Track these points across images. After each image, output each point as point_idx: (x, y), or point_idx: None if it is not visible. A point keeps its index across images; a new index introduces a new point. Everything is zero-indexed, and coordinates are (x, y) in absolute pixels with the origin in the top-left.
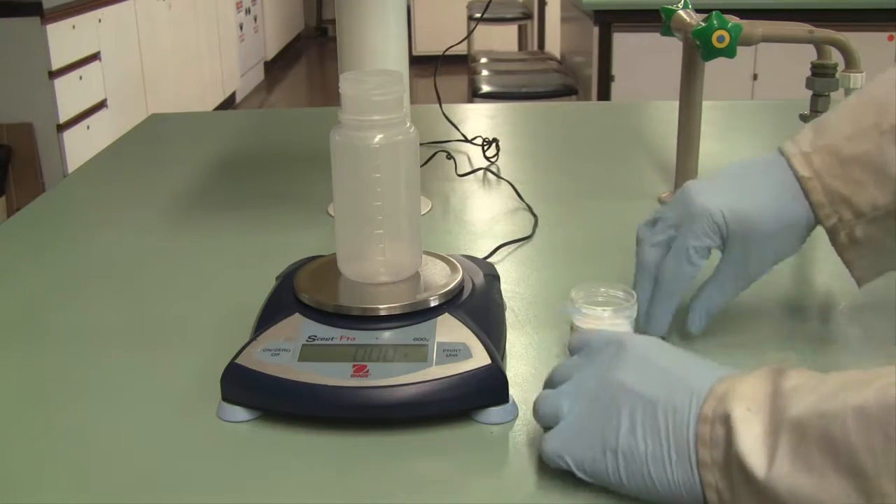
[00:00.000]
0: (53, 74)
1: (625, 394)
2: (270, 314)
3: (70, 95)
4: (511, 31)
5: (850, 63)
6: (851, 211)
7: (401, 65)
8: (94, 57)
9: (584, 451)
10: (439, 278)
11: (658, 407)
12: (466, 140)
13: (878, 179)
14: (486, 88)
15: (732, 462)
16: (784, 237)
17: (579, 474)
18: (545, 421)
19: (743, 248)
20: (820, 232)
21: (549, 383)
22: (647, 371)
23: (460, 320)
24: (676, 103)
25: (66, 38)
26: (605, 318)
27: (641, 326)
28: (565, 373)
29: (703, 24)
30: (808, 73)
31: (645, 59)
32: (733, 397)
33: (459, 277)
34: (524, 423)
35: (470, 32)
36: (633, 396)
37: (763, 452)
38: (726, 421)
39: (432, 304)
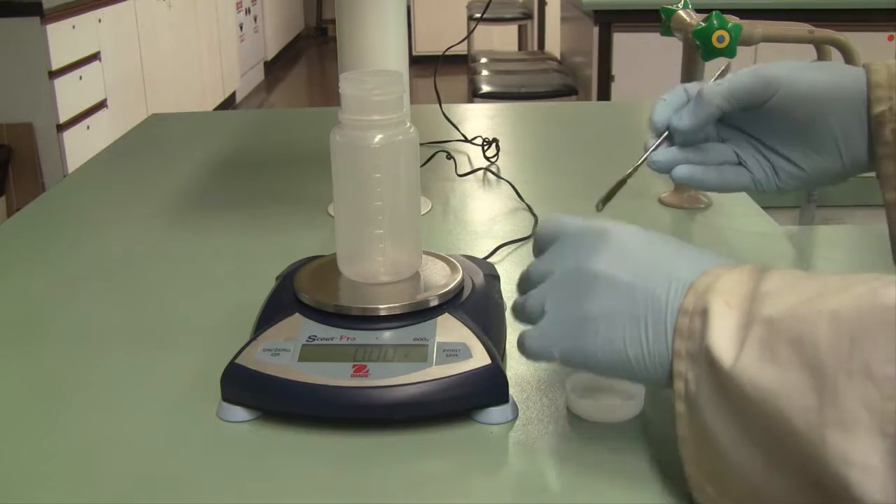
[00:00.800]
0: (53, 74)
1: (605, 281)
2: (270, 314)
3: (70, 95)
4: (511, 31)
5: (850, 63)
6: None
7: (401, 65)
8: (94, 57)
9: (565, 340)
10: (439, 278)
11: (638, 294)
12: (466, 140)
13: None
14: (486, 88)
15: (703, 353)
16: (834, 100)
17: (563, 364)
18: (528, 321)
19: (787, 102)
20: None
21: (528, 281)
22: (628, 259)
23: (460, 320)
24: None
25: (66, 38)
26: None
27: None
28: (544, 269)
29: (703, 24)
30: None
31: (645, 59)
32: (714, 291)
33: (459, 277)
34: (524, 423)
35: (470, 32)
36: (614, 283)
37: (732, 345)
38: (704, 314)
39: (432, 304)
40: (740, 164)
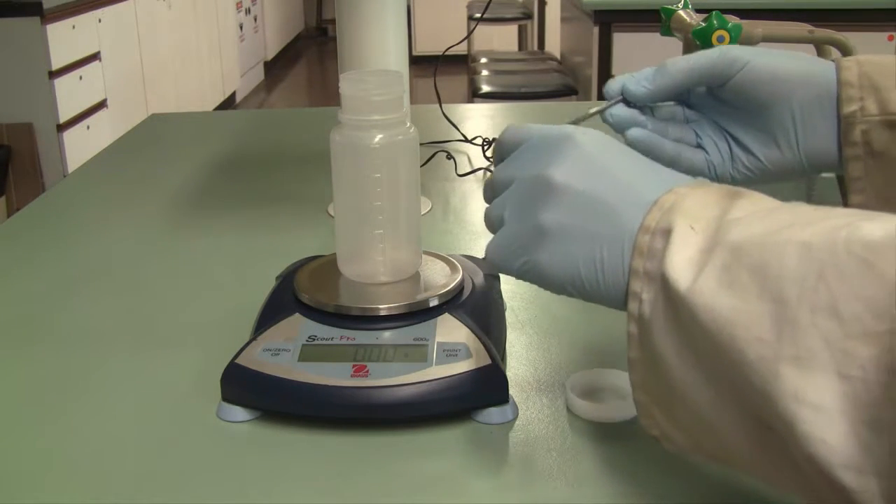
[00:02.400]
0: (53, 74)
1: (563, 191)
2: (270, 314)
3: (70, 95)
4: (511, 31)
5: None
6: (877, 103)
7: (401, 65)
8: (94, 57)
9: (519, 251)
10: (439, 278)
11: (597, 208)
12: (466, 140)
13: None
14: (486, 88)
15: (660, 273)
16: (797, 88)
17: (516, 275)
18: (491, 231)
19: (753, 87)
20: None
21: (491, 190)
22: (591, 170)
23: (460, 320)
24: None
25: (66, 38)
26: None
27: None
28: (505, 176)
29: (703, 24)
30: None
31: (645, 59)
32: (679, 212)
33: (459, 277)
34: (524, 423)
35: (470, 32)
36: (572, 194)
37: (691, 268)
38: (666, 235)
39: (432, 304)
40: (699, 146)
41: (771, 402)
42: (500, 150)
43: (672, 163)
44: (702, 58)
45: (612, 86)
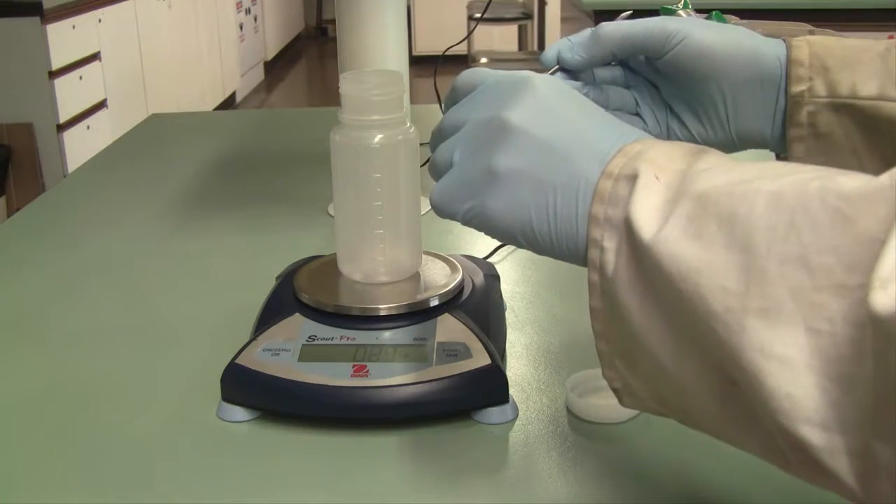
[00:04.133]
0: (53, 74)
1: (518, 134)
2: (270, 314)
3: (70, 95)
4: (511, 31)
5: None
6: (826, 84)
7: (401, 65)
8: (94, 57)
9: (468, 195)
10: (439, 278)
11: (552, 155)
12: None
13: (870, 69)
14: None
15: (624, 219)
16: (736, 66)
17: (463, 222)
18: (436, 176)
19: (690, 63)
20: None
21: (439, 134)
22: (549, 114)
23: (460, 320)
24: None
25: (66, 38)
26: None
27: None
28: (456, 119)
29: None
30: None
31: None
32: (644, 160)
33: (459, 277)
34: (524, 423)
35: (470, 32)
36: (527, 138)
37: (656, 216)
38: (631, 181)
39: (432, 304)
40: (638, 114)
41: (736, 354)
42: (453, 94)
43: None
44: (638, 27)
45: (548, 54)
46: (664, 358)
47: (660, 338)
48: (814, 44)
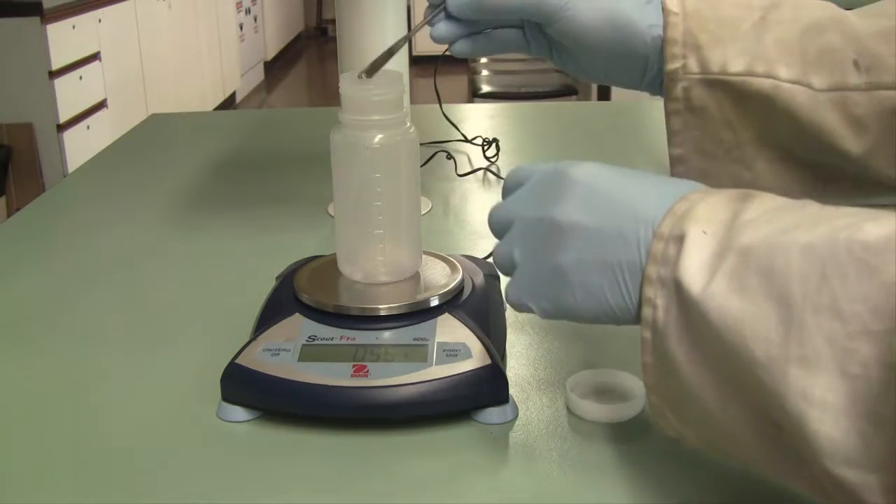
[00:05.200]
0: (53, 74)
1: (572, 230)
2: (270, 314)
3: (70, 95)
4: None
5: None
6: (698, 62)
7: (401, 65)
8: (94, 57)
9: (542, 293)
10: (439, 278)
11: (608, 239)
12: (466, 140)
13: (741, 46)
14: (486, 88)
15: (673, 278)
16: (612, 43)
17: (544, 316)
18: (504, 273)
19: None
20: None
21: (495, 231)
22: (593, 202)
23: (460, 320)
24: None
25: (66, 38)
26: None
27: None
28: (506, 217)
29: None
30: None
31: None
32: (691, 218)
33: (459, 277)
34: (524, 423)
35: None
36: (581, 231)
37: (703, 273)
38: (680, 241)
39: (432, 304)
40: (527, 47)
41: (780, 400)
42: (504, 190)
43: (497, 52)
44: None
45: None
46: (713, 407)
47: (708, 388)
48: (689, 17)
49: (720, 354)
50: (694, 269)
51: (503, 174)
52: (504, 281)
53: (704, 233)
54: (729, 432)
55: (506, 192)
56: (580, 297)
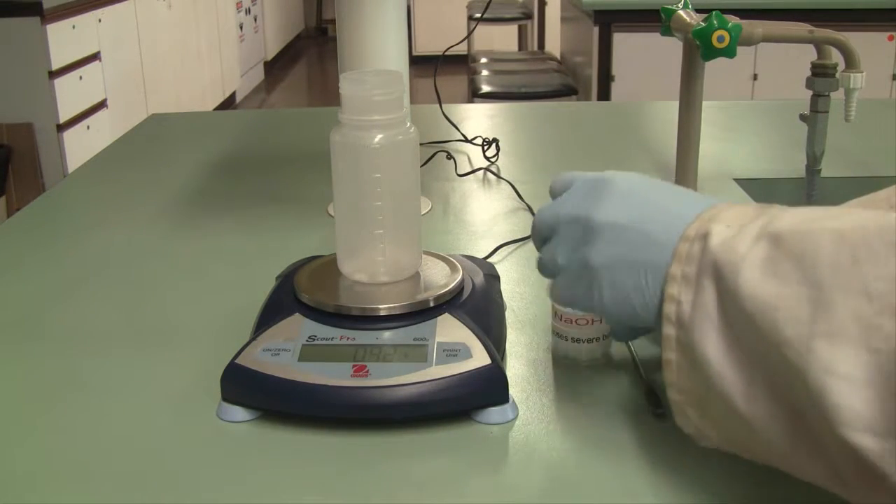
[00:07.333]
0: (53, 74)
1: (605, 228)
2: (270, 314)
3: (70, 95)
4: (511, 31)
5: (850, 63)
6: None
7: (401, 65)
8: (94, 57)
9: (581, 294)
10: (439, 278)
11: (637, 239)
12: (466, 140)
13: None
14: (486, 88)
15: (704, 269)
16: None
17: (582, 314)
18: (547, 276)
19: None
20: None
21: (537, 229)
22: (629, 205)
23: (460, 320)
24: (676, 103)
25: (66, 38)
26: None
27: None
28: (550, 223)
29: (703, 24)
30: (808, 73)
31: (645, 59)
32: (717, 220)
33: (459, 277)
34: (524, 423)
35: (470, 32)
36: (614, 230)
37: (737, 254)
38: (705, 238)
39: (432, 304)
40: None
41: (802, 376)
42: (550, 193)
43: None
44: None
45: None
46: (737, 399)
47: (733, 378)
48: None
49: (750, 339)
50: (728, 250)
51: (503, 174)
52: (503, 281)
53: (728, 227)
54: (752, 425)
55: (552, 195)
56: (610, 295)
